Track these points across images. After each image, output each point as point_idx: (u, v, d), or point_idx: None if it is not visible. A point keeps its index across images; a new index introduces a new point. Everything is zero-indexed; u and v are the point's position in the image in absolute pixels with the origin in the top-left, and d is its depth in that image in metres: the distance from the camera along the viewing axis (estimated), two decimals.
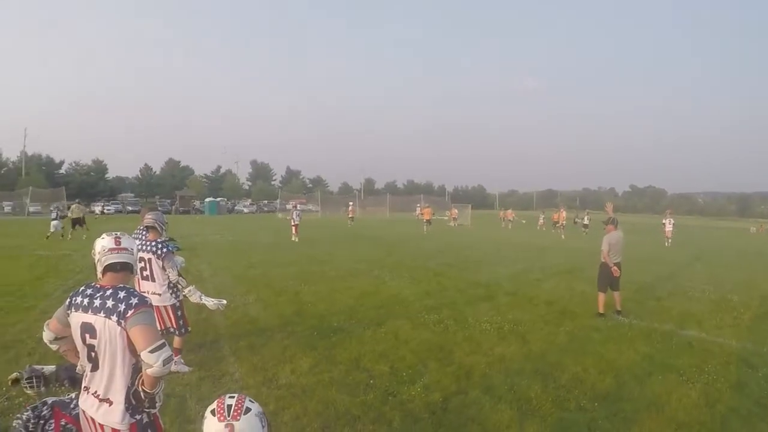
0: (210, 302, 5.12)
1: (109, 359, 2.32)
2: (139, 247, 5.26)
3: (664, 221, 26.35)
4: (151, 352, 2.18)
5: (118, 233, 2.55)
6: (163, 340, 2.27)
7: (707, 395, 4.85)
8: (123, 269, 2.47)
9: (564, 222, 30.30)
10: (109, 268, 2.44)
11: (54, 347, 2.66)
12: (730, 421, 4.33)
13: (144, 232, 5.89)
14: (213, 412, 1.72)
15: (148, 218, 5.37)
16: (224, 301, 5.25)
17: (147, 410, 2.36)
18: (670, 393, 4.87)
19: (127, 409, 2.32)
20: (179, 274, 5.21)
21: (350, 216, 38.43)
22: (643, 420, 4.28)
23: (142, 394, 2.30)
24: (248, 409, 1.73)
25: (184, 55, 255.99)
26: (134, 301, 2.31)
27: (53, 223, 22.28)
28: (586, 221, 32.99)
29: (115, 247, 2.46)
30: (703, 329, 7.46)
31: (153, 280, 5.20)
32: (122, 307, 2.29)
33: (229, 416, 1.68)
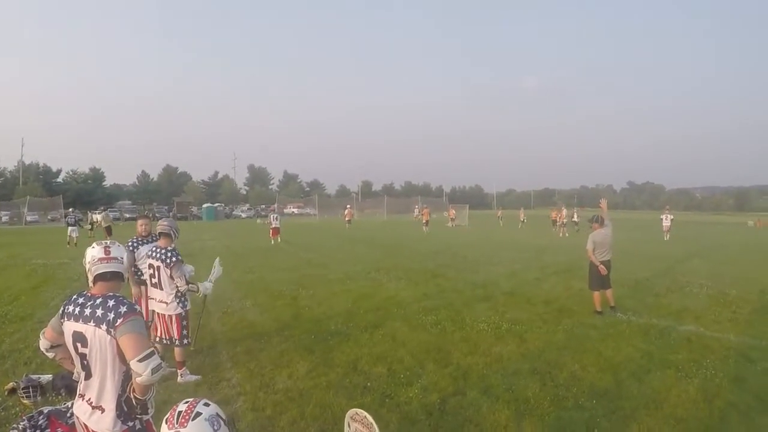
0: (213, 275, 5.54)
1: (101, 367, 2.34)
2: (149, 253, 5.29)
3: (662, 217, 26.58)
4: (140, 360, 2.20)
5: (108, 242, 2.57)
6: (152, 349, 2.29)
7: (706, 390, 4.82)
8: (113, 278, 2.50)
9: (564, 220, 30.47)
10: (99, 278, 2.47)
11: (50, 355, 2.68)
12: (729, 416, 4.31)
13: (135, 242, 6.00)
14: (166, 420, 1.69)
15: (163, 224, 5.36)
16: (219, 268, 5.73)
17: (139, 417, 2.39)
18: (669, 389, 4.85)
19: (118, 416, 2.34)
20: (188, 282, 5.15)
21: (347, 219, 37.67)
22: (642, 417, 4.26)
23: (133, 400, 2.32)
24: (198, 414, 1.67)
25: (181, 61, 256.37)
26: (123, 309, 2.33)
27: (71, 228, 22.23)
28: (575, 218, 32.93)
29: (104, 256, 2.48)
30: (701, 324, 7.43)
31: (161, 288, 5.16)
32: (111, 315, 2.30)
33: (176, 423, 1.65)
